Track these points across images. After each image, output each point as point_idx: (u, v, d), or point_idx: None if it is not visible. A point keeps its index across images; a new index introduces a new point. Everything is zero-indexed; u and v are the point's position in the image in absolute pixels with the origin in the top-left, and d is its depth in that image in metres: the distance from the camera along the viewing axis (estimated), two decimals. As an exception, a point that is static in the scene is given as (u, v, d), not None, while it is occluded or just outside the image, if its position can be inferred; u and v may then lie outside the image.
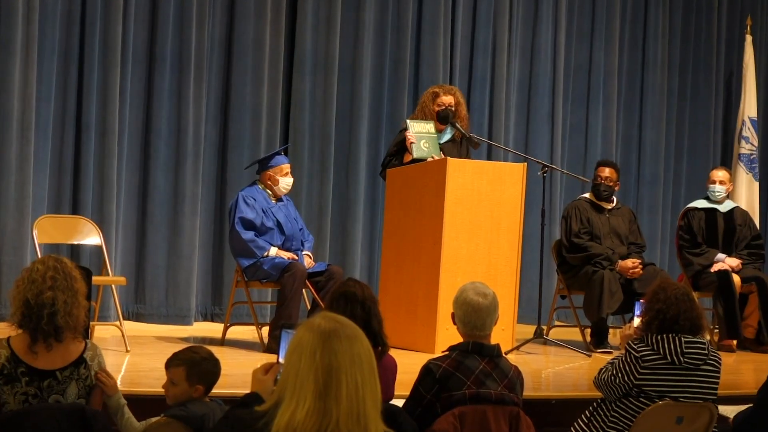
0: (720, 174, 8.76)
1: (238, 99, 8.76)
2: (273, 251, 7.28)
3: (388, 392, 4.44)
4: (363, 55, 9.17)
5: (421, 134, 7.45)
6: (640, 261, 8.09)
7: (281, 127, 8.95)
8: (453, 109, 7.59)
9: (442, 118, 7.57)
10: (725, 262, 8.49)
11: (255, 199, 7.36)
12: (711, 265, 8.51)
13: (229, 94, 8.78)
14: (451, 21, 9.59)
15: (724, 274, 8.39)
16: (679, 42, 10.75)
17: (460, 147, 7.70)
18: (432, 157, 7.40)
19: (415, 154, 7.41)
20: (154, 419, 4.22)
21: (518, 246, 7.42)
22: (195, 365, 4.21)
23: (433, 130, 7.50)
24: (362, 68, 9.16)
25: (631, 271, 8.00)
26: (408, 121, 7.56)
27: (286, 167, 7.48)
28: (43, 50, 8.01)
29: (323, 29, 9.04)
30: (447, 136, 7.65)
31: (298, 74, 8.98)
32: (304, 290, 7.28)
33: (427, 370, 4.41)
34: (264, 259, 7.22)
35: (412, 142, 7.41)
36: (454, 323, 4.54)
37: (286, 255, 7.28)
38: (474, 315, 4.45)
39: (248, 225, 7.29)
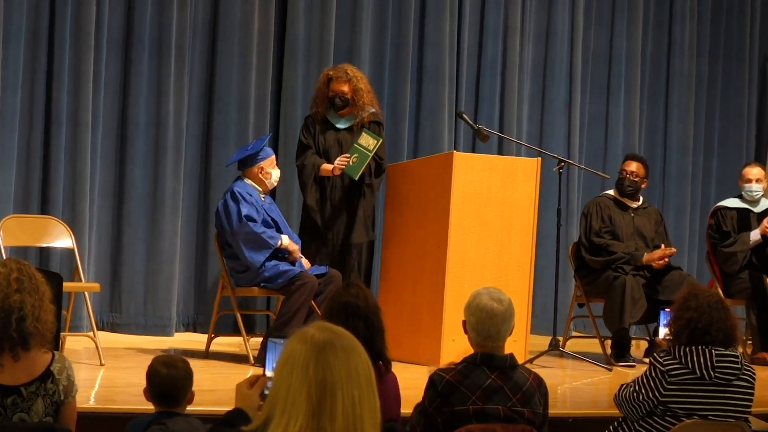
0: (755, 171, 8.74)
1: (224, 88, 8.75)
2: (285, 240, 7.31)
3: (391, 411, 4.43)
4: (361, 39, 9.16)
5: (359, 147, 7.47)
6: (673, 250, 8.09)
7: (271, 119, 8.94)
8: (347, 97, 7.63)
9: (336, 107, 7.64)
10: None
11: (251, 195, 7.38)
12: (751, 249, 8.51)
13: (214, 83, 8.77)
14: (458, 1, 9.59)
15: (759, 280, 8.38)
16: (709, 24, 10.75)
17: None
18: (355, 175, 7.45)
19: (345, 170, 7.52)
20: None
21: (531, 249, 7.42)
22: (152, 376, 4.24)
23: (372, 147, 7.48)
24: (360, 54, 9.15)
25: (657, 261, 8.00)
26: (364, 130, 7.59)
27: (273, 158, 7.54)
28: (9, 33, 8.00)
29: (317, 11, 9.03)
30: (344, 125, 7.66)
31: (290, 61, 8.97)
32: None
33: (430, 381, 4.42)
34: (267, 265, 7.21)
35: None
36: (466, 332, 4.54)
37: (294, 248, 7.31)
38: (488, 322, 4.45)
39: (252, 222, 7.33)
